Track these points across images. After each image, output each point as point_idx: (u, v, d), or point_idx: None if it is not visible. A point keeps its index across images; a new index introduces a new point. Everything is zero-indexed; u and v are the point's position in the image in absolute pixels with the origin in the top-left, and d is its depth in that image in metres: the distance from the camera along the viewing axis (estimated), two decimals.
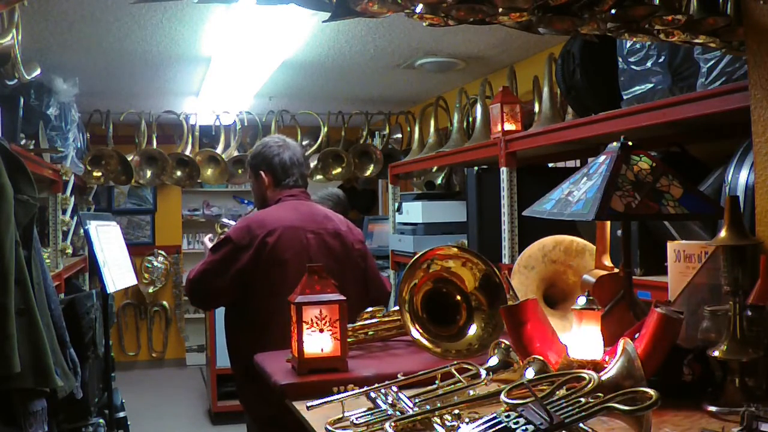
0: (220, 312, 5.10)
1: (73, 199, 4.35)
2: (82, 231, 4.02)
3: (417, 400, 1.29)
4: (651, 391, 1.04)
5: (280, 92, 5.15)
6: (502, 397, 1.09)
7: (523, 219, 2.77)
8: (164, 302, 7.18)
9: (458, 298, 1.78)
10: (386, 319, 1.94)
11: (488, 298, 1.76)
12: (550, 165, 3.61)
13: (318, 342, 1.63)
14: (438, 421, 1.19)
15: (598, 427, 1.15)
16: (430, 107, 4.91)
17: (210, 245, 2.76)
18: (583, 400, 1.04)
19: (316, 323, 1.64)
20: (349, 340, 1.76)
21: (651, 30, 1.47)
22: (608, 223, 1.73)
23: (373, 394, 1.33)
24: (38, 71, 3.27)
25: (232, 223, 2.99)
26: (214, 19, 3.36)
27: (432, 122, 4.63)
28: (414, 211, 3.96)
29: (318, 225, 2.53)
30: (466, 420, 1.17)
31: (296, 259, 2.42)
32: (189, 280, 2.49)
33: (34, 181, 2.16)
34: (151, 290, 7.10)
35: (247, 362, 2.08)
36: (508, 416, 1.01)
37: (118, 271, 3.47)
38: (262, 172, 2.62)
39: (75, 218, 4.45)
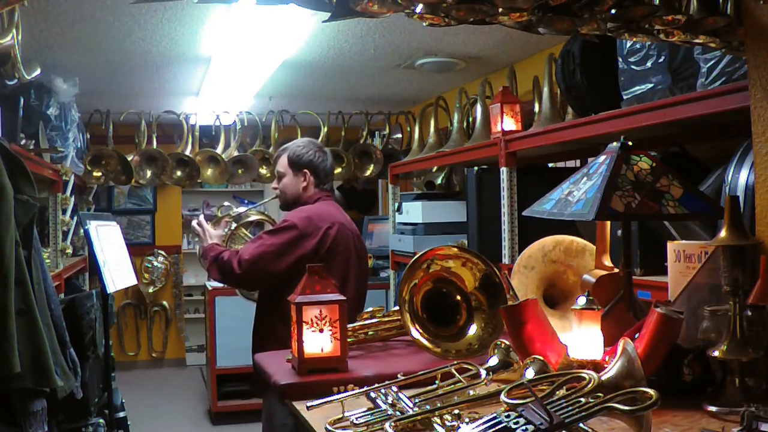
0: (220, 312, 5.18)
1: (73, 199, 4.34)
2: (82, 231, 4.02)
3: (417, 400, 1.29)
4: (651, 391, 1.03)
5: (280, 92, 5.15)
6: (502, 397, 1.08)
7: (523, 219, 2.77)
8: (164, 302, 7.18)
9: (458, 298, 1.78)
10: (386, 319, 1.94)
11: (488, 298, 1.76)
12: (550, 165, 3.61)
13: (318, 342, 1.63)
14: (438, 421, 1.19)
15: (598, 427, 1.15)
16: (430, 107, 4.90)
17: (207, 225, 2.84)
18: (583, 400, 1.04)
19: (316, 323, 1.64)
20: (349, 340, 1.76)
21: (651, 30, 1.47)
22: (608, 223, 1.73)
23: (373, 394, 1.33)
24: (38, 71, 3.28)
25: (243, 209, 3.14)
26: (214, 19, 3.36)
27: (432, 122, 4.63)
28: (414, 211, 3.95)
29: (351, 225, 2.77)
30: (466, 420, 1.17)
31: (345, 253, 2.65)
32: (243, 260, 2.53)
33: (34, 181, 2.15)
34: (151, 290, 7.10)
35: (286, 346, 2.09)
36: (508, 416, 1.01)
37: (118, 271, 3.47)
38: (307, 171, 2.76)
39: (75, 218, 4.44)
